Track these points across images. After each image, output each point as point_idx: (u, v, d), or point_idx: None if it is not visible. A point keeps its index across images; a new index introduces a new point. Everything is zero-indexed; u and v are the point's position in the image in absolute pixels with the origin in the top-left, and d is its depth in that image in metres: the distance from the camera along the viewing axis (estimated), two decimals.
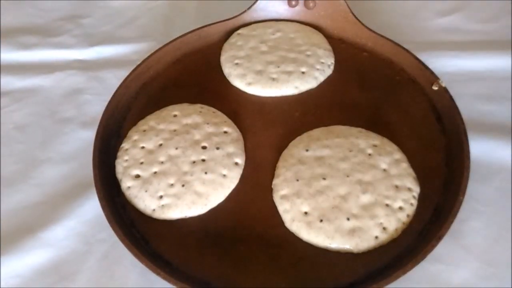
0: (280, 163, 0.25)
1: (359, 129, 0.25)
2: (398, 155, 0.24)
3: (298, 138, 0.26)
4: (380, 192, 0.23)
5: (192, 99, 0.28)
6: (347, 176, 0.23)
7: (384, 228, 0.22)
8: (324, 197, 0.23)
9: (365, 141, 0.25)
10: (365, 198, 0.23)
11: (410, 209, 0.22)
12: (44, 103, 0.31)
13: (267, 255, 0.22)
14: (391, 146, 0.24)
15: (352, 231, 0.22)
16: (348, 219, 0.22)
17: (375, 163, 0.24)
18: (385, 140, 0.25)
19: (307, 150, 0.24)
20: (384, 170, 0.23)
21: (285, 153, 0.25)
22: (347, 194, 0.23)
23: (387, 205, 0.22)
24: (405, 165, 0.24)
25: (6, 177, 0.28)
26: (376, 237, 0.22)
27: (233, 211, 0.24)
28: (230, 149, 0.26)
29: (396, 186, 0.23)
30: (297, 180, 0.24)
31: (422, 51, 0.29)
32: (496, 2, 0.35)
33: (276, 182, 0.24)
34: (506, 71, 0.30)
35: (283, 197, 0.23)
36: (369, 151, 0.24)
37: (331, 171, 0.23)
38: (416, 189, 0.23)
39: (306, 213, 0.23)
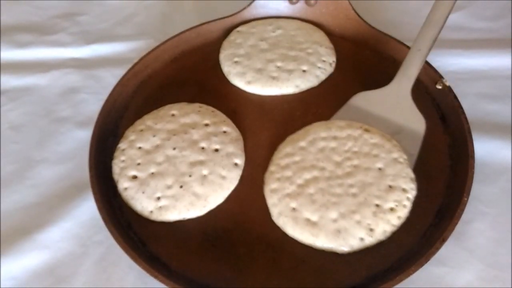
0: (274, 157, 0.24)
1: (360, 124, 0.25)
2: (397, 154, 0.23)
3: (297, 132, 0.25)
4: (371, 192, 0.22)
5: (191, 98, 0.28)
6: (339, 174, 0.23)
7: (371, 230, 0.21)
8: (313, 194, 0.22)
9: (363, 138, 0.24)
10: (355, 198, 0.22)
11: (402, 211, 0.22)
12: (40, 102, 0.31)
13: (267, 258, 0.22)
14: (390, 144, 0.24)
15: (337, 232, 0.21)
16: (335, 218, 0.22)
17: (371, 161, 0.23)
18: (385, 138, 0.24)
19: (302, 146, 0.24)
20: (380, 169, 0.23)
21: (281, 146, 0.25)
22: (337, 192, 0.22)
23: (377, 205, 0.22)
24: (402, 166, 0.23)
25: (2, 178, 0.27)
26: (362, 239, 0.21)
27: (232, 213, 0.23)
28: (230, 149, 0.25)
29: (390, 186, 0.22)
30: (288, 176, 0.23)
31: None
32: (500, 1, 0.34)
33: (267, 175, 0.24)
34: (511, 70, 0.30)
35: (273, 191, 0.23)
36: (366, 149, 0.23)
37: (323, 170, 0.23)
38: (412, 191, 0.22)
39: (294, 209, 0.22)
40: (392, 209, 0.22)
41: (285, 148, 0.24)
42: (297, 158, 0.23)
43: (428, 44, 0.25)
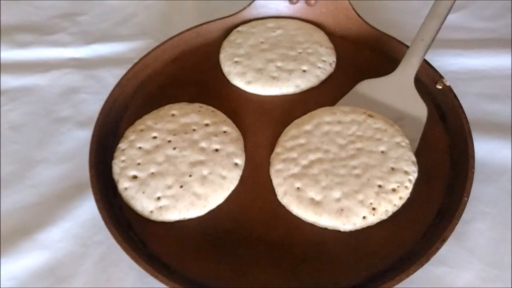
0: (280, 139, 0.25)
1: (364, 110, 0.25)
2: (399, 138, 0.24)
3: (302, 117, 0.26)
4: (374, 173, 0.23)
5: (191, 98, 0.28)
6: (343, 156, 0.23)
7: (374, 209, 0.22)
8: (317, 175, 0.23)
9: (367, 123, 0.24)
10: (358, 178, 0.23)
11: (404, 192, 0.22)
12: (40, 102, 0.31)
13: (267, 258, 0.22)
14: (393, 129, 0.24)
15: (341, 210, 0.22)
16: (338, 198, 0.22)
17: (374, 144, 0.24)
18: (388, 123, 0.24)
19: (307, 130, 0.24)
20: (382, 152, 0.23)
21: (286, 129, 0.25)
22: (341, 173, 0.23)
23: (379, 186, 0.22)
24: (404, 149, 0.23)
25: (2, 178, 0.27)
26: (364, 217, 0.22)
27: (232, 213, 0.23)
28: (230, 149, 0.25)
29: (392, 169, 0.23)
30: (293, 158, 0.24)
31: None
32: (500, 1, 0.34)
33: (273, 156, 0.24)
34: (511, 70, 0.30)
35: (278, 171, 0.24)
36: (370, 133, 0.24)
37: (327, 152, 0.23)
38: (413, 174, 0.23)
39: (298, 188, 0.23)
40: (394, 190, 0.22)
41: (291, 131, 0.25)
42: (302, 141, 0.24)
43: (431, 34, 0.26)
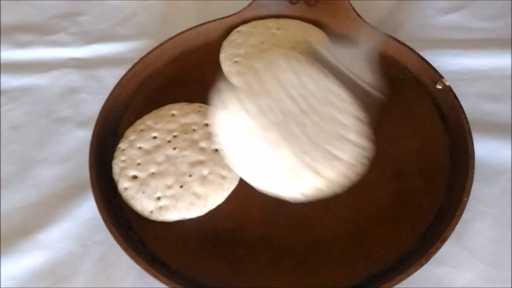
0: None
1: (328, 76, 0.23)
2: (356, 111, 0.23)
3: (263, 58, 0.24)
4: (329, 141, 0.21)
5: (191, 98, 0.28)
6: (301, 121, 0.22)
7: (327, 179, 0.21)
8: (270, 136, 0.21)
9: (328, 89, 0.23)
10: (314, 145, 0.21)
11: (359, 167, 0.21)
12: (40, 102, 0.31)
13: (267, 258, 0.22)
14: (349, 98, 0.23)
15: (293, 176, 0.21)
16: (291, 166, 0.21)
17: (332, 112, 0.22)
18: (346, 93, 0.23)
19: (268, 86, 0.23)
20: (340, 122, 0.22)
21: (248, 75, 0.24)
22: (295, 132, 0.21)
23: (335, 155, 0.21)
24: (361, 123, 0.22)
25: (2, 178, 0.27)
26: (316, 188, 0.21)
27: (232, 213, 0.23)
28: None
29: (347, 140, 0.22)
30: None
31: (426, 49, 0.29)
32: (500, 1, 0.34)
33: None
34: (511, 70, 0.30)
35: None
36: (330, 99, 0.23)
37: (284, 113, 0.22)
38: (368, 149, 0.22)
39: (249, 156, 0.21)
40: (348, 163, 0.21)
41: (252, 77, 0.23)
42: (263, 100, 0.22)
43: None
